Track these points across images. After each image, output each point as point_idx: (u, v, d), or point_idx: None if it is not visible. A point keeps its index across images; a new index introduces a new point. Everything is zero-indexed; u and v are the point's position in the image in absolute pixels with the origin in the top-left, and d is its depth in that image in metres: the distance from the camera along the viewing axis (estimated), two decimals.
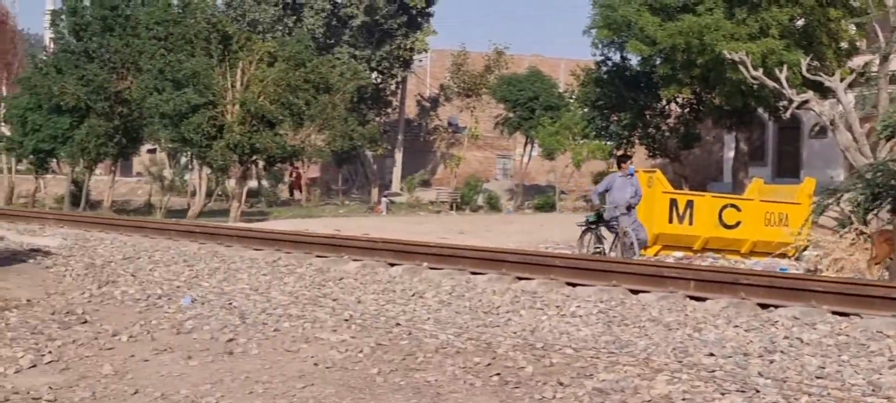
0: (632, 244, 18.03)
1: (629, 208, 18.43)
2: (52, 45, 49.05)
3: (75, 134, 42.04)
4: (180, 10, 39.71)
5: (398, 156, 59.16)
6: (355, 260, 17.11)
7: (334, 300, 12.88)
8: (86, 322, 11.56)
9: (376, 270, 16.07)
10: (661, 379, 8.25)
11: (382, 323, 11.19)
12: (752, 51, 32.50)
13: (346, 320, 11.30)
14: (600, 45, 41.64)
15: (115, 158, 45.37)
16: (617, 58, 43.34)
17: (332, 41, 51.43)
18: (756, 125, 44.96)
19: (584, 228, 19.23)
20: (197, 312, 11.89)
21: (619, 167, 19.29)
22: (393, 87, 57.88)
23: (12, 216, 31.26)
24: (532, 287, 13.91)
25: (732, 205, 22.84)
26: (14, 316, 11.91)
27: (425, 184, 58.19)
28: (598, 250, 18.71)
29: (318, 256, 17.74)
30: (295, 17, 51.13)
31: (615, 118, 44.40)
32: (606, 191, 18.74)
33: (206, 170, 40.44)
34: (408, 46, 53.09)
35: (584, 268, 14.71)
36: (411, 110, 62.86)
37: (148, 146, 53.99)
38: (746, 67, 25.98)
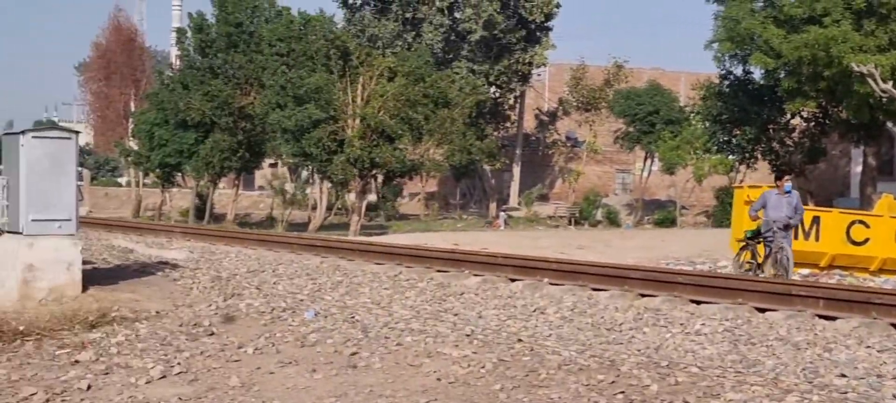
0: (787, 261, 17.62)
1: (787, 227, 17.97)
2: (178, 62, 50.29)
3: (200, 148, 42.99)
4: (302, 27, 40.35)
5: (516, 170, 59.08)
6: (476, 275, 17.12)
7: (455, 315, 12.90)
8: (213, 334, 11.79)
9: (497, 285, 16.06)
10: (790, 400, 8.08)
11: (504, 338, 11.17)
12: (881, 63, 31.65)
13: (468, 335, 11.31)
14: (723, 59, 41.00)
15: (239, 172, 46.28)
16: (740, 71, 42.65)
17: (451, 56, 51.68)
18: (885, 139, 43.73)
19: (743, 244, 18.93)
20: (320, 325, 12.04)
21: (776, 183, 18.87)
22: (511, 102, 57.86)
23: (140, 229, 32.12)
24: (655, 304, 13.74)
25: (861, 222, 22.20)
26: (144, 327, 12.22)
27: (543, 198, 58.01)
28: (750, 267, 18.40)
29: (438, 271, 17.81)
30: (414, 33, 51.53)
31: (738, 132, 43.65)
32: (762, 208, 18.28)
33: (327, 184, 40.96)
34: (526, 60, 53.03)
35: (708, 286, 14.48)
36: (529, 124, 62.73)
37: (270, 160, 54.93)
38: (875, 80, 25.33)
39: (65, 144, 13.97)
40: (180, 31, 46.64)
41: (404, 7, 51.56)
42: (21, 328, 12.21)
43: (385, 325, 12.02)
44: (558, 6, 53.11)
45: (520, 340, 11.06)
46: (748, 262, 18.53)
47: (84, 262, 14.35)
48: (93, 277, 14.81)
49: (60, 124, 76.58)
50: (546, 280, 16.06)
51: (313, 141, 36.04)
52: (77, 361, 10.48)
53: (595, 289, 15.14)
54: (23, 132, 13.89)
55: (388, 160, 36.33)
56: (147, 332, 11.96)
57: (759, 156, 43.73)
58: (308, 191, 48.08)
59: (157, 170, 46.57)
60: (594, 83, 56.64)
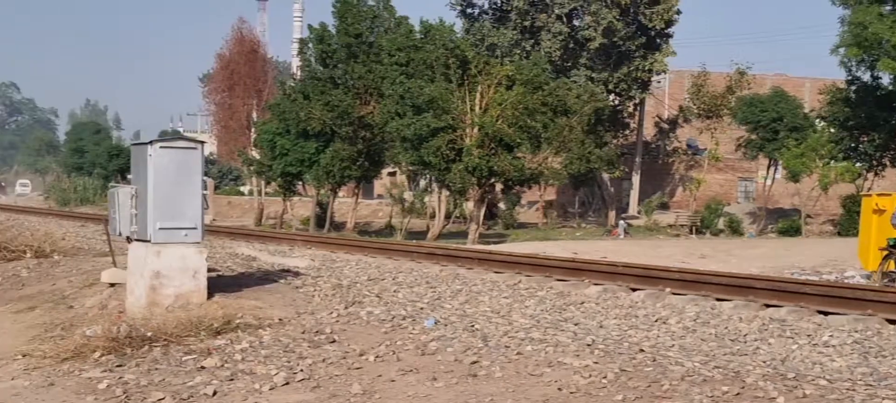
0: None
1: None
2: (299, 72, 51.06)
3: (321, 157, 43.56)
4: (421, 37, 40.61)
5: (635, 178, 58.49)
6: (596, 284, 16.98)
7: (576, 324, 12.80)
8: (334, 341, 11.90)
9: (617, 295, 15.89)
10: None
11: (626, 348, 11.04)
12: None
13: (589, 345, 11.21)
14: (849, 64, 40.00)
15: (358, 181, 46.77)
16: (867, 76, 41.56)
17: (570, 64, 51.44)
18: None
19: (886, 252, 18.48)
20: (440, 333, 12.05)
21: None
22: (630, 109, 57.35)
23: (263, 237, 32.65)
24: (781, 314, 13.43)
25: None
26: (267, 334, 12.40)
27: (663, 206, 57.30)
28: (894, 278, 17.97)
29: (557, 279, 17.71)
30: (532, 41, 51.44)
31: (865, 139, 42.53)
32: None
33: (445, 193, 41.12)
34: (646, 68, 52.51)
35: (836, 296, 14.10)
36: (649, 132, 62.06)
37: (388, 169, 55.38)
38: None
39: (191, 154, 14.26)
40: (302, 42, 47.35)
41: (523, 15, 51.53)
42: (149, 334, 12.50)
43: (505, 334, 11.98)
44: (679, 13, 52.48)
45: (642, 350, 10.92)
46: (893, 271, 18.08)
47: (209, 270, 14.62)
48: (217, 284, 15.08)
49: (185, 134, 78.53)
50: (668, 289, 15.84)
51: (432, 149, 36.21)
52: (203, 367, 10.70)
53: (718, 299, 14.88)
54: (151, 142, 14.23)
55: (506, 169, 36.30)
56: (270, 339, 12.13)
57: (888, 162, 42.51)
58: (426, 199, 48.34)
59: (279, 179, 47.32)
60: (716, 90, 55.74)
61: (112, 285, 16.24)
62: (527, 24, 51.66)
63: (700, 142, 61.05)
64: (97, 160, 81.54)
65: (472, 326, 12.55)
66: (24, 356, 13.21)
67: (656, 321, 13.16)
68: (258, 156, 50.09)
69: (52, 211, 57.21)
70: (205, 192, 14.65)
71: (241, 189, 78.62)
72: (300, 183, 49.67)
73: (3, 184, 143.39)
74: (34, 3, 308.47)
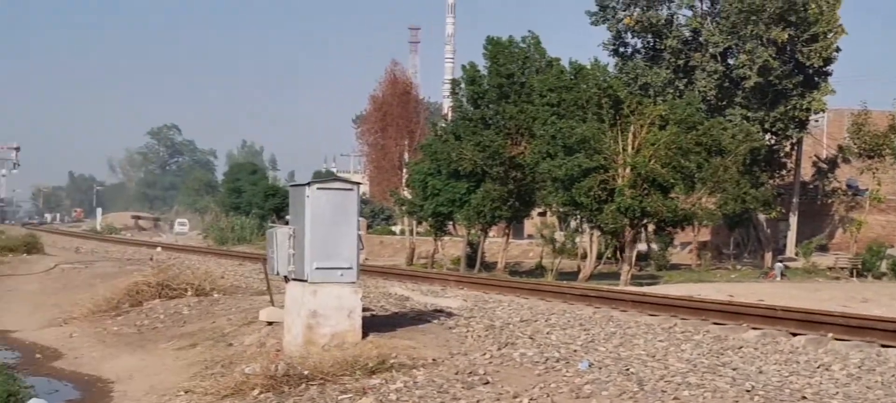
0: None
1: None
2: (450, 113, 51.49)
3: (472, 198, 43.75)
4: (573, 77, 40.53)
5: (792, 219, 57.01)
6: (754, 328, 16.59)
7: (734, 369, 12.52)
8: (487, 383, 11.91)
9: (777, 339, 15.49)
10: None
11: (787, 395, 10.75)
12: None
13: (748, 391, 10.95)
14: None
15: (509, 221, 46.80)
16: None
17: (724, 103, 50.57)
18: None
19: None
20: (595, 376, 11.94)
21: None
22: (787, 149, 55.99)
23: (415, 276, 32.96)
24: None
25: None
26: (421, 374, 12.49)
27: (822, 248, 55.66)
28: None
29: (714, 323, 17.38)
30: (686, 80, 50.79)
31: None
32: None
33: (597, 233, 40.80)
34: (804, 106, 51.20)
35: None
36: (807, 172, 60.46)
37: (539, 209, 55.31)
38: None
39: (347, 195, 14.52)
40: (453, 83, 47.75)
41: (676, 54, 50.96)
42: (306, 372, 12.73)
43: (661, 378, 11.80)
44: (838, 50, 51.08)
45: (804, 398, 10.62)
46: None
47: (363, 309, 14.83)
48: (372, 324, 15.27)
49: (339, 175, 79.97)
50: (830, 334, 15.37)
51: (583, 190, 36.00)
52: None
53: (884, 345, 14.37)
54: (308, 183, 14.55)
55: (659, 209, 35.82)
56: (424, 379, 12.22)
57: None
58: (577, 239, 48.06)
59: (430, 219, 47.68)
60: (877, 129, 53.99)
61: (270, 323, 16.61)
62: (680, 62, 51.04)
63: (861, 182, 59.18)
64: (254, 200, 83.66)
65: (628, 369, 12.40)
66: (186, 392, 13.62)
67: (818, 367, 12.78)
68: (410, 196, 50.62)
69: (210, 250, 58.92)
70: (360, 232, 14.88)
71: (393, 228, 79.53)
72: (451, 223, 49.94)
73: (163, 223, 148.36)
74: (193, 51, 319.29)
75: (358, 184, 15.59)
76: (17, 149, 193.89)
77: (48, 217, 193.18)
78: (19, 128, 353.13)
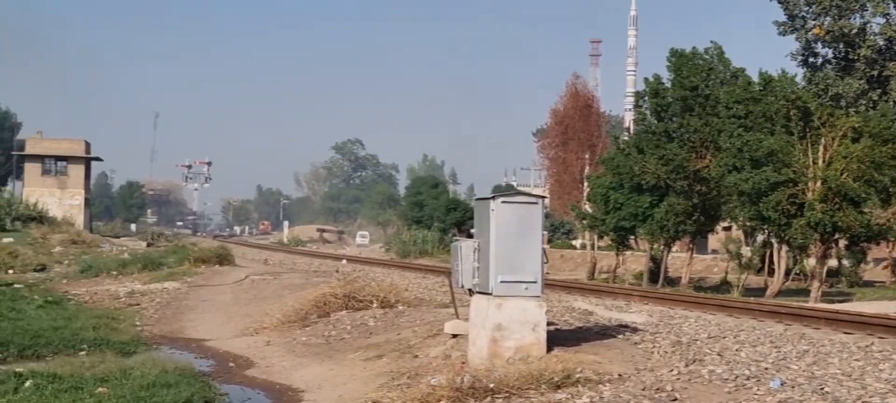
0: None
1: None
2: (632, 126, 50.99)
3: (655, 212, 43.19)
4: (761, 88, 39.58)
5: None
6: None
7: None
8: (675, 400, 11.73)
9: None
10: None
11: None
12: None
13: None
14: None
15: (693, 236, 45.99)
16: None
17: None
18: None
19: None
20: (787, 395, 11.62)
21: None
22: None
23: (597, 291, 32.74)
24: None
25: None
26: (607, 390, 12.39)
27: None
28: None
29: None
30: (880, 91, 49.01)
31: None
32: None
33: (785, 249, 39.69)
34: None
35: None
36: None
37: (723, 223, 54.18)
38: None
39: (532, 209, 14.54)
40: (637, 96, 47.25)
41: (870, 64, 49.24)
42: (491, 385, 12.80)
43: (858, 399, 11.39)
44: None
45: None
46: None
47: (547, 323, 14.80)
48: (556, 338, 15.24)
49: (520, 188, 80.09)
50: None
51: (771, 204, 35.09)
52: None
53: None
54: (493, 197, 14.63)
55: (851, 224, 34.60)
56: (610, 395, 12.12)
57: None
58: (762, 254, 46.83)
59: (612, 233, 47.30)
60: None
61: (454, 336, 16.76)
62: (874, 73, 49.30)
63: None
64: (435, 213, 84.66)
65: (822, 389, 12.01)
66: (373, 402, 13.87)
67: None
68: (591, 210, 50.33)
69: (393, 262, 59.87)
70: (544, 246, 14.88)
71: (573, 242, 79.23)
72: (633, 237, 49.40)
73: (346, 236, 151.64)
74: (376, 68, 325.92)
75: (543, 197, 15.60)
76: (210, 163, 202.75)
77: (237, 229, 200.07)
78: (212, 144, 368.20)
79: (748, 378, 12.74)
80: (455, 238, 17.79)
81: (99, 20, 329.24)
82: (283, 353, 19.86)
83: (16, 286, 33.18)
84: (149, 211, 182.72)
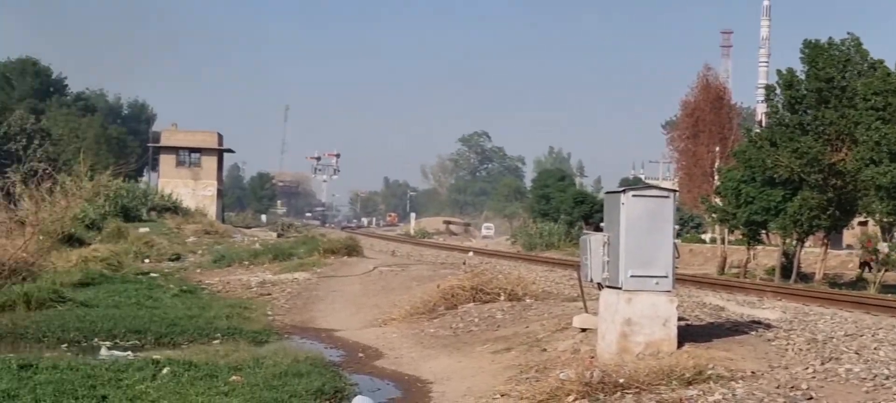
0: None
1: None
2: (765, 119, 49.96)
3: (788, 206, 42.31)
4: None
5: None
6: None
7: None
8: (811, 398, 11.52)
9: None
10: None
11: None
12: None
13: None
14: None
15: (827, 231, 44.92)
16: None
17: None
18: None
19: None
20: None
21: None
22: None
23: (728, 286, 32.27)
24: None
25: None
26: (740, 387, 12.22)
27: None
28: None
29: None
30: None
31: None
32: None
33: None
34: None
35: None
36: None
37: (859, 218, 52.78)
38: None
39: (663, 203, 14.42)
40: (768, 89, 46.28)
41: None
42: (621, 380, 12.73)
43: None
44: None
45: None
46: None
47: (678, 318, 14.65)
48: (686, 334, 15.08)
49: (647, 181, 79.20)
50: None
51: None
52: None
53: None
54: (624, 190, 14.54)
55: None
56: (744, 392, 11.95)
57: None
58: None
59: (743, 228, 46.48)
60: None
61: (583, 330, 16.70)
62: None
63: None
64: (562, 206, 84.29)
65: None
66: (502, 395, 13.93)
67: None
68: (721, 204, 49.53)
69: (519, 255, 59.91)
70: (676, 241, 14.73)
71: (702, 236, 78.06)
72: (764, 231, 48.43)
73: (472, 228, 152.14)
74: (501, 61, 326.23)
75: (674, 191, 15.45)
76: (338, 156, 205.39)
77: (364, 221, 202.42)
78: (340, 137, 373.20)
79: (888, 378, 12.42)
80: (583, 231, 17.70)
81: (232, 15, 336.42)
82: (411, 344, 20.05)
83: (152, 275, 34.15)
84: (279, 202, 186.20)
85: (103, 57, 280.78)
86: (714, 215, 51.00)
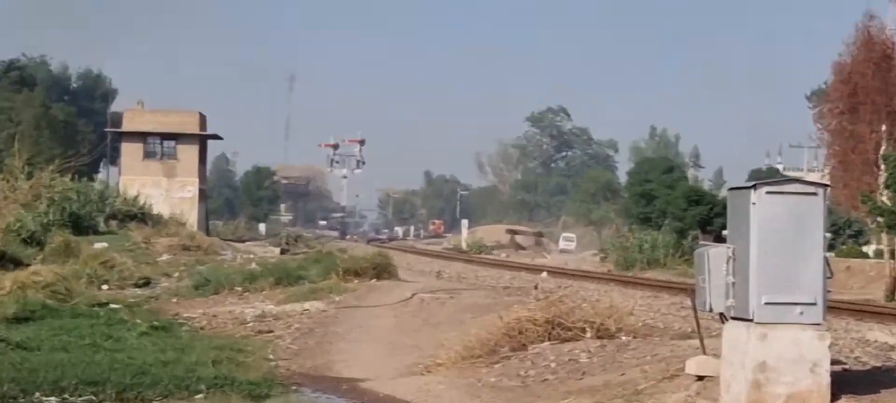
0: None
1: None
2: None
3: None
4: None
5: None
6: None
7: None
8: None
9: None
10: None
11: None
12: None
13: None
14: None
15: None
16: None
17: None
18: None
19: None
20: None
21: None
22: None
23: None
24: None
25: None
26: None
27: None
28: None
29: None
30: None
31: None
32: None
33: None
34: None
35: None
36: None
37: None
38: None
39: (810, 202, 14.29)
40: None
41: None
42: None
43: None
44: None
45: None
46: None
47: (832, 362, 14.55)
48: (843, 382, 14.97)
49: (786, 173, 78.78)
50: None
51: None
52: None
53: None
54: (754, 186, 14.42)
55: None
56: None
57: None
58: None
59: None
60: None
61: (700, 378, 16.62)
62: None
63: None
64: (669, 208, 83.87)
65: None
66: None
67: None
68: (889, 204, 49.17)
69: (611, 275, 59.75)
70: (827, 255, 14.60)
71: (864, 249, 77.43)
72: None
73: (546, 239, 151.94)
74: (584, 12, 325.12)
75: (825, 186, 15.33)
76: (362, 143, 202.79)
77: (399, 230, 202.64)
78: (365, 117, 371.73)
79: None
80: (699, 242, 17.69)
81: None
82: (464, 399, 20.06)
83: (112, 306, 34.35)
84: (283, 206, 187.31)
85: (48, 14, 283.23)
86: (880, 219, 50.60)
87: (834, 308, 31.36)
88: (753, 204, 14.11)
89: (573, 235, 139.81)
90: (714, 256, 14.73)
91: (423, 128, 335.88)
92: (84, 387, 20.52)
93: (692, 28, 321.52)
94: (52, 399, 19.76)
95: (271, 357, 26.31)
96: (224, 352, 25.56)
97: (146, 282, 44.27)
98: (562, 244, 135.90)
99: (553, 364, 21.23)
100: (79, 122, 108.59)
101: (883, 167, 52.45)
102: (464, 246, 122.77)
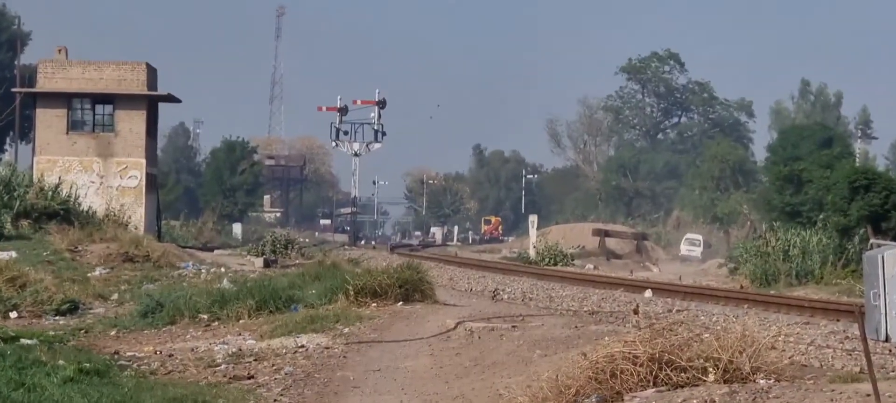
0: None
1: None
2: None
3: None
4: None
5: None
6: None
7: None
8: None
9: None
10: None
11: None
12: None
13: None
14: None
15: None
16: None
17: None
18: None
19: None
20: None
21: None
22: None
23: None
24: None
25: None
26: None
27: None
28: None
29: None
30: None
31: None
32: None
33: None
34: None
35: None
36: None
37: None
38: None
39: None
40: None
41: None
42: None
43: None
44: None
45: None
46: None
47: None
48: None
49: None
50: None
51: None
52: None
53: None
54: None
55: None
56: None
57: None
58: None
59: None
60: None
61: None
62: None
63: None
64: (828, 197, 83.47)
65: None
66: None
67: None
68: None
69: (744, 293, 59.58)
70: None
71: None
72: None
73: (647, 242, 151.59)
74: None
75: None
76: (381, 104, 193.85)
77: (436, 232, 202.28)
78: (384, 70, 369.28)
79: None
80: (870, 245, 17.68)
81: None
82: None
83: (24, 341, 34.48)
84: (267, 198, 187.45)
85: None
86: None
87: None
88: None
89: (699, 237, 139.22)
90: (891, 262, 14.78)
91: (470, 82, 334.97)
92: None
93: None
94: None
95: None
96: None
97: (73, 308, 44.45)
98: (683, 249, 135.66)
99: None
100: None
101: None
102: (532, 253, 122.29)
